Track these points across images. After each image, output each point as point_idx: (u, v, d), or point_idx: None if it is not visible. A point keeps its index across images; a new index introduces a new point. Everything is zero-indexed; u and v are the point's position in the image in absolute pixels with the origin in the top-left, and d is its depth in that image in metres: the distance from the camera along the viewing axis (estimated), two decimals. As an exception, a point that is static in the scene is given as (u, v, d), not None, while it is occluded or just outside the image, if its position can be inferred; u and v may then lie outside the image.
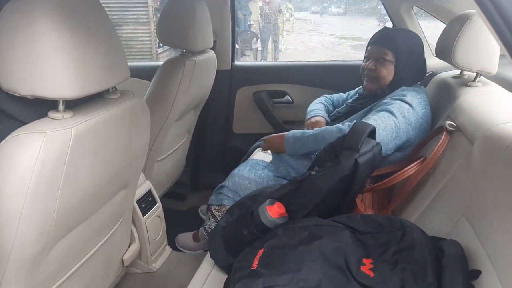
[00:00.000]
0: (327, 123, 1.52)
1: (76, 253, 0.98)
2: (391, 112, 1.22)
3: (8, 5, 0.70)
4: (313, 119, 1.54)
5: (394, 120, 1.21)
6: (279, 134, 1.42)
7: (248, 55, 7.98)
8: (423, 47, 1.37)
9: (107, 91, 0.90)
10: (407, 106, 1.24)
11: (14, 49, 0.69)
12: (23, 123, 0.75)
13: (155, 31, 7.23)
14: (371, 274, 0.79)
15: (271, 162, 1.58)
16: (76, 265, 0.99)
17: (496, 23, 0.48)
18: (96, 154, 0.84)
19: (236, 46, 2.35)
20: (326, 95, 1.70)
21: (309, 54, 9.25)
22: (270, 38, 7.97)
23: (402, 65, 1.31)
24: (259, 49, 7.96)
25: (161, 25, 1.44)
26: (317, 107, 1.61)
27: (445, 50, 1.30)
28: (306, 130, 1.36)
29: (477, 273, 0.75)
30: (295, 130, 1.39)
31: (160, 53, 7.41)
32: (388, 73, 1.32)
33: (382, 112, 1.23)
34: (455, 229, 0.89)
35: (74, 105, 0.80)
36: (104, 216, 1.04)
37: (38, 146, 0.70)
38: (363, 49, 1.44)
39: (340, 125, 1.29)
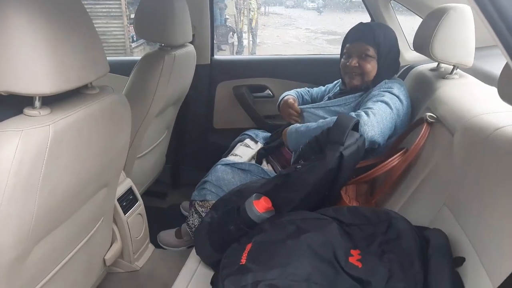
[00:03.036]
0: (299, 103, 1.57)
1: (57, 255, 0.95)
2: (387, 103, 1.24)
3: None
4: (282, 101, 1.58)
5: (390, 111, 1.23)
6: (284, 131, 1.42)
7: (224, 50, 7.91)
8: (397, 39, 1.40)
9: (85, 87, 0.86)
10: (395, 98, 1.27)
11: None
12: None
13: (128, 25, 7.06)
14: (359, 265, 0.80)
15: (253, 157, 1.58)
16: (57, 267, 0.95)
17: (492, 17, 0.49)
18: (75, 153, 0.80)
19: (213, 40, 2.31)
20: (306, 88, 1.71)
21: (286, 49, 9.27)
22: (247, 32, 7.93)
23: (383, 59, 1.34)
24: (235, 43, 7.91)
25: (138, 18, 1.39)
26: (287, 92, 1.65)
27: (422, 43, 1.32)
28: (309, 124, 1.34)
29: (461, 260, 0.77)
30: (298, 124, 1.39)
31: (134, 48, 7.23)
32: (372, 68, 1.35)
33: (379, 103, 1.24)
34: (438, 218, 0.91)
35: (51, 101, 0.77)
36: (85, 216, 1.01)
37: (14, 145, 0.66)
38: (337, 43, 1.46)
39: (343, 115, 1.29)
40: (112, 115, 0.92)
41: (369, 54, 1.33)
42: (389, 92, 1.27)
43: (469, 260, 0.76)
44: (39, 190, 0.72)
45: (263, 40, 9.56)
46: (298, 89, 1.68)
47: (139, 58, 1.75)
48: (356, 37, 1.38)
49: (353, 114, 1.22)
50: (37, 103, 0.72)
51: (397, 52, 1.40)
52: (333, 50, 8.27)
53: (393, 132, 1.27)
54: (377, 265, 0.80)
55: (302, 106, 1.52)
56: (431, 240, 0.82)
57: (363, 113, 1.19)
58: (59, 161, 0.75)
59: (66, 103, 0.79)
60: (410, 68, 1.61)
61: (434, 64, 1.43)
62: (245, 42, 8.22)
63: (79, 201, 0.93)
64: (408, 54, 1.80)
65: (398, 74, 1.67)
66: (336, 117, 1.26)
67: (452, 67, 1.31)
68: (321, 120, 1.33)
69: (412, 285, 0.75)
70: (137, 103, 1.37)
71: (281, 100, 1.61)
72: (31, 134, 0.68)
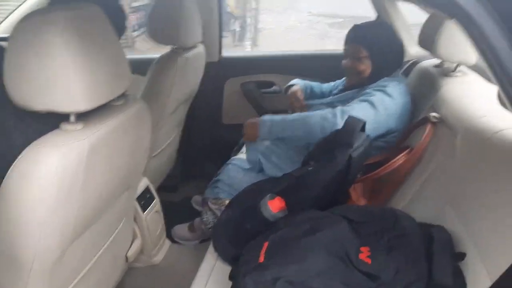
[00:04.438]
0: (305, 96, 1.64)
1: (87, 254, 1.02)
2: (372, 104, 1.28)
3: (20, 24, 0.71)
4: (290, 92, 1.64)
5: (373, 112, 1.27)
6: (254, 119, 1.43)
7: (227, 37, 7.88)
8: (396, 36, 1.43)
9: (112, 99, 0.92)
10: (387, 98, 1.30)
11: (27, 66, 0.71)
12: (37, 131, 0.77)
13: (129, 14, 7.02)
14: (369, 261, 0.87)
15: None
16: (87, 266, 1.03)
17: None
18: (107, 161, 0.87)
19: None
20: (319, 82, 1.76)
21: (288, 33, 9.20)
22: (248, 18, 7.88)
23: (377, 57, 1.38)
24: (237, 30, 7.88)
25: (151, 22, 1.44)
26: (297, 81, 1.71)
27: (427, 40, 1.36)
28: (286, 115, 1.39)
29: (462, 256, 0.84)
30: (273, 115, 1.41)
31: (136, 37, 7.22)
32: (366, 67, 1.40)
33: (364, 104, 1.29)
34: (441, 216, 0.98)
35: (83, 115, 0.82)
36: (110, 217, 1.08)
37: (55, 160, 0.72)
38: (341, 27, 1.51)
39: (321, 111, 1.34)
40: (137, 123, 0.98)
41: (362, 55, 1.39)
42: (382, 91, 1.31)
43: (470, 255, 0.83)
44: (78, 199, 0.79)
45: (265, 25, 9.49)
46: (310, 82, 1.73)
47: (149, 56, 1.81)
48: (348, 39, 1.44)
49: (329, 110, 1.29)
50: (72, 119, 0.78)
51: (394, 47, 1.41)
52: (336, 34, 8.20)
53: (389, 130, 1.32)
54: (386, 261, 0.86)
55: (307, 102, 1.58)
56: (435, 236, 0.88)
57: (338, 111, 1.27)
58: (94, 170, 0.82)
59: (97, 116, 0.85)
60: (415, 63, 1.64)
61: (438, 60, 1.47)
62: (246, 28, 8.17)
63: (107, 203, 1.00)
64: (413, 49, 1.83)
65: (403, 69, 1.71)
66: (311, 112, 1.35)
67: (455, 64, 1.35)
68: (296, 114, 1.38)
69: (419, 279, 0.82)
70: (153, 105, 1.43)
71: (288, 87, 1.68)
72: (69, 148, 0.74)
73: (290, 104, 1.64)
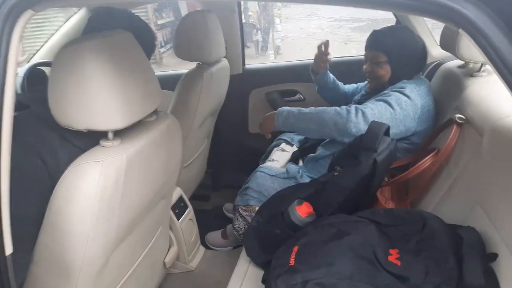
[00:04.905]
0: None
1: (127, 261, 1.09)
2: (388, 103, 1.29)
3: (61, 51, 0.79)
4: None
5: (390, 111, 1.28)
6: (269, 114, 1.47)
7: (250, 47, 8.00)
8: (415, 39, 1.42)
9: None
10: (405, 98, 1.31)
11: (68, 89, 0.79)
12: (75, 146, 0.85)
13: (156, 31, 7.28)
14: (398, 263, 0.89)
15: (290, 161, 1.68)
16: (128, 272, 1.10)
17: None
18: (142, 174, 0.94)
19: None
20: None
21: (310, 40, 9.21)
22: (271, 28, 7.96)
23: (396, 62, 1.39)
24: (260, 39, 7.97)
25: (178, 41, 1.52)
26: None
27: (448, 42, 1.36)
28: (302, 108, 1.41)
29: (494, 256, 0.84)
30: (290, 107, 1.43)
31: (163, 53, 7.48)
32: (385, 72, 1.41)
33: (380, 102, 1.31)
34: (471, 216, 0.98)
35: (120, 132, 0.90)
36: (148, 226, 1.15)
37: (97, 174, 0.80)
38: (363, 30, 1.53)
39: (337, 108, 1.34)
40: (168, 137, 1.04)
41: (380, 60, 1.40)
42: (399, 92, 1.32)
43: (502, 255, 0.83)
44: (119, 209, 0.86)
45: (287, 33, 9.54)
46: None
47: (177, 72, 1.89)
48: (367, 44, 1.46)
49: (344, 107, 1.30)
50: (110, 135, 0.86)
51: (414, 52, 1.40)
52: (359, 38, 8.13)
53: (408, 130, 1.32)
54: (415, 263, 0.88)
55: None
56: (464, 237, 0.88)
57: (353, 109, 1.27)
58: (132, 183, 0.89)
59: (131, 132, 0.92)
60: (439, 64, 1.64)
61: (462, 61, 1.46)
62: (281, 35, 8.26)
63: (145, 213, 1.07)
64: (436, 51, 1.82)
65: (426, 72, 1.70)
66: (327, 108, 1.35)
67: (480, 64, 1.34)
68: (314, 108, 1.38)
69: (448, 280, 0.82)
70: (182, 119, 1.49)
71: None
72: (109, 163, 0.81)
73: (315, 60, 1.70)
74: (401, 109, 1.29)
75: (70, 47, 0.78)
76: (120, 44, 0.85)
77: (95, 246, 0.85)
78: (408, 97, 1.31)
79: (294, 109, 1.41)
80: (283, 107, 1.44)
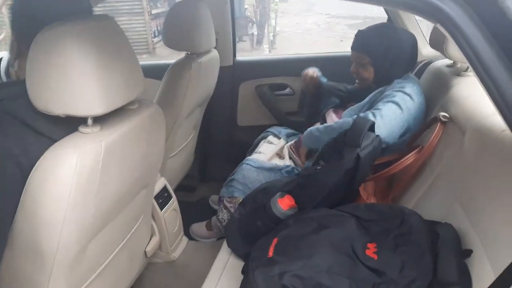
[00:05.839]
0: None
1: (106, 249, 1.08)
2: (398, 104, 1.31)
3: (41, 34, 0.77)
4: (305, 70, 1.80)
5: (400, 112, 1.30)
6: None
7: (245, 41, 7.96)
8: (402, 38, 1.39)
9: (127, 103, 0.98)
10: (407, 97, 1.32)
11: (48, 73, 0.77)
12: (51, 139, 0.83)
13: (149, 20, 7.23)
14: (375, 257, 0.89)
15: (277, 153, 1.68)
16: (107, 260, 1.09)
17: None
18: (122, 162, 0.93)
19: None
20: None
21: (306, 36, 9.20)
22: (267, 22, 7.92)
23: (380, 62, 1.39)
24: (255, 33, 7.94)
25: (166, 30, 1.50)
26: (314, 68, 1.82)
27: (438, 41, 1.37)
28: (319, 126, 1.46)
29: (469, 252, 0.85)
30: (311, 128, 1.49)
31: (156, 43, 7.42)
32: (369, 74, 1.43)
33: (389, 104, 1.31)
34: (450, 214, 0.99)
35: (100, 118, 0.88)
36: (128, 215, 1.14)
37: (74, 160, 0.78)
38: (359, 28, 1.48)
39: (355, 117, 1.34)
40: (150, 126, 1.03)
41: (363, 62, 1.42)
42: (401, 91, 1.33)
43: (476, 252, 0.84)
44: (95, 197, 0.85)
45: (282, 28, 9.51)
46: None
47: (166, 62, 1.88)
48: (352, 46, 1.46)
49: (361, 115, 1.30)
50: (89, 122, 0.84)
51: (401, 52, 1.38)
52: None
53: (406, 130, 1.33)
54: (391, 257, 0.88)
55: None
56: (440, 234, 0.89)
57: (370, 115, 1.27)
58: (110, 171, 0.87)
59: (112, 119, 0.91)
60: (428, 63, 1.64)
61: (451, 60, 1.47)
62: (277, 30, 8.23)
63: (125, 201, 1.06)
64: (426, 50, 1.83)
65: (415, 71, 1.71)
66: (353, 117, 1.35)
67: (467, 64, 1.34)
68: (337, 121, 1.42)
69: (423, 275, 0.83)
70: (168, 109, 1.49)
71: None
72: (87, 150, 0.80)
73: (303, 82, 1.81)
74: (406, 108, 1.31)
75: (51, 30, 0.77)
76: (102, 29, 0.83)
77: (70, 233, 0.84)
78: (410, 96, 1.33)
79: (314, 128, 1.48)
80: (311, 128, 1.50)
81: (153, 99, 1.55)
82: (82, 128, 0.84)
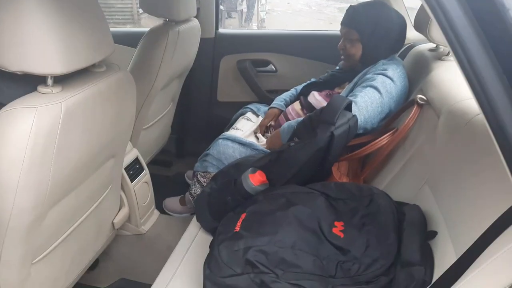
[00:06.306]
0: (282, 112, 1.61)
1: (69, 218, 1.05)
2: (376, 88, 1.28)
3: None
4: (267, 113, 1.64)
5: (378, 96, 1.28)
6: (275, 132, 1.45)
7: (234, 17, 7.77)
8: (390, 17, 1.36)
9: (93, 65, 0.92)
10: (389, 80, 1.30)
11: (1, 25, 0.71)
12: (12, 98, 0.78)
13: (136, -11, 6.94)
14: (341, 235, 0.89)
15: (254, 131, 1.65)
16: (70, 229, 1.06)
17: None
18: (85, 127, 0.88)
19: (221, 7, 2.32)
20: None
21: (296, 17, 9.06)
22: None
23: (367, 40, 1.36)
24: (245, 10, 7.75)
25: (144, -7, 1.43)
26: (281, 97, 1.69)
27: (422, 24, 1.34)
28: (300, 119, 1.38)
29: (433, 234, 0.85)
30: (291, 121, 1.41)
31: (141, 13, 7.15)
32: (356, 50, 1.39)
33: (368, 88, 1.29)
34: (419, 196, 0.99)
35: (62, 79, 0.83)
36: (94, 184, 1.10)
37: (30, 121, 0.73)
38: None
39: None
40: (118, 92, 0.98)
41: (352, 37, 1.38)
42: (382, 74, 1.31)
43: (440, 234, 0.84)
44: (53, 161, 0.81)
45: (273, 7, 9.33)
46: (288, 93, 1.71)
47: (144, 29, 1.80)
48: (342, 20, 1.43)
49: None
50: (49, 81, 0.79)
51: (388, 30, 1.35)
52: (344, 19, 8.04)
53: (389, 113, 1.32)
54: (357, 236, 0.88)
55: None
56: (406, 214, 0.89)
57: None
58: (70, 135, 0.83)
59: (75, 81, 0.86)
60: (411, 47, 1.63)
61: (434, 44, 1.45)
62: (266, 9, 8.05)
63: (89, 170, 1.02)
64: (411, 33, 1.80)
65: (399, 52, 1.69)
66: None
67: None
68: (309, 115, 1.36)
69: (386, 255, 0.83)
70: (142, 78, 1.43)
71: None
72: (45, 110, 0.75)
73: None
74: (386, 92, 1.29)
75: None
76: None
77: (25, 199, 0.79)
78: (391, 79, 1.30)
79: (293, 122, 1.38)
80: (284, 126, 1.40)
81: (127, 67, 1.49)
82: (41, 88, 0.79)
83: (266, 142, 1.50)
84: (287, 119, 1.55)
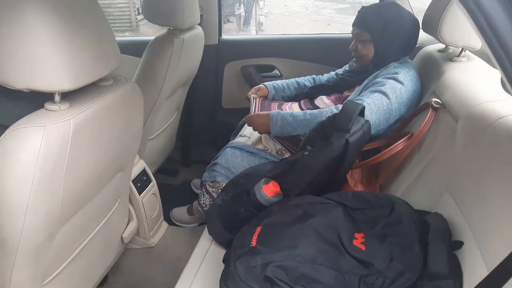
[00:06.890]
0: (269, 92, 1.65)
1: (78, 236, 1.02)
2: (384, 94, 1.25)
3: None
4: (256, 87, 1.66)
5: (386, 102, 1.25)
6: (263, 112, 1.40)
7: (232, 21, 7.77)
8: (402, 18, 1.33)
9: (100, 79, 0.89)
10: (399, 85, 1.27)
11: (5, 43, 0.68)
12: (18, 116, 0.75)
13: (133, -3, 6.94)
14: (363, 247, 0.85)
15: (261, 137, 1.62)
16: (80, 246, 1.03)
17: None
18: (94, 142, 0.85)
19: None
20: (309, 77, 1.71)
21: (293, 19, 9.06)
22: (255, 3, 7.75)
23: (379, 41, 1.34)
24: (243, 14, 7.75)
25: (147, 2, 1.40)
26: (275, 82, 1.69)
27: (431, 24, 1.32)
28: (295, 113, 1.33)
29: (459, 244, 0.82)
30: (282, 111, 1.36)
31: (140, 20, 7.15)
32: (368, 51, 1.37)
33: (376, 94, 1.26)
34: (439, 203, 0.95)
35: (69, 95, 0.80)
36: (104, 199, 1.07)
37: (39, 140, 0.71)
38: (347, 12, 1.48)
39: (333, 109, 1.30)
40: (125, 104, 0.95)
41: (363, 38, 1.36)
42: (394, 78, 1.28)
43: (467, 244, 0.81)
44: (63, 179, 0.78)
45: (270, 10, 9.34)
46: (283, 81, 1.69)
47: (148, 38, 1.77)
48: (354, 22, 1.41)
49: (340, 107, 1.24)
50: (57, 98, 0.76)
51: (399, 31, 1.32)
52: (342, 20, 8.06)
53: (400, 118, 1.29)
54: (379, 248, 0.85)
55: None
56: (431, 224, 0.86)
57: None
58: (79, 151, 0.80)
59: (83, 96, 0.83)
60: (419, 48, 1.60)
61: (443, 45, 1.43)
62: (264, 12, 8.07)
63: (99, 186, 0.99)
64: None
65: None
66: (321, 110, 1.30)
67: (460, 49, 1.31)
68: (308, 112, 1.32)
69: (412, 267, 0.80)
70: (148, 88, 1.41)
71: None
72: (54, 128, 0.72)
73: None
74: (396, 97, 1.26)
75: None
76: None
77: (36, 218, 0.76)
78: (402, 83, 1.27)
79: (287, 115, 1.32)
80: (275, 114, 1.34)
81: (131, 78, 1.46)
82: (48, 105, 0.76)
83: (246, 117, 1.44)
84: None
